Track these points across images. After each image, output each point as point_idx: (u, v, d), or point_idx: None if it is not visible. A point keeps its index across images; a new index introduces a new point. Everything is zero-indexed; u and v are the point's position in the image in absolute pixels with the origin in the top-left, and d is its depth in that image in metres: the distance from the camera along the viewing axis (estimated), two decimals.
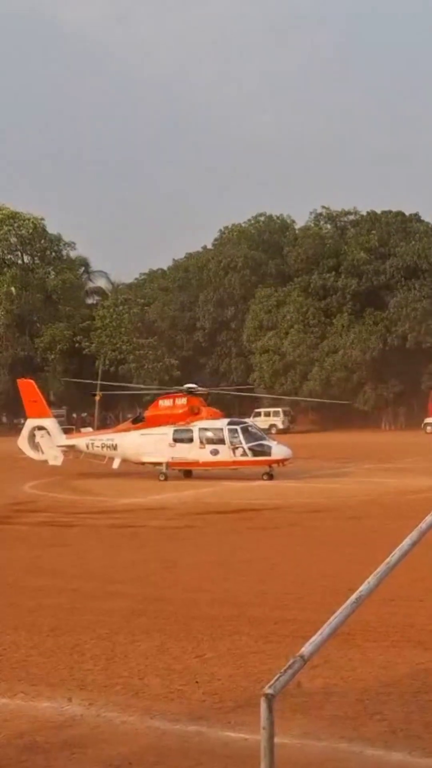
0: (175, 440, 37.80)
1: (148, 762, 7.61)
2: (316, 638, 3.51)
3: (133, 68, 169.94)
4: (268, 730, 3.40)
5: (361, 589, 3.59)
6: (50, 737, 8.23)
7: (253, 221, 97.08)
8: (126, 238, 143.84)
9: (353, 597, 3.57)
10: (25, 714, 8.91)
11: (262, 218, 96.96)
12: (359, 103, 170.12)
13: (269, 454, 36.78)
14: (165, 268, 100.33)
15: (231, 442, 36.98)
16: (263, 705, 3.39)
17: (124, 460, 39.59)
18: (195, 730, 8.32)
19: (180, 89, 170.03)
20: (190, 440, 37.60)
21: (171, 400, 40.02)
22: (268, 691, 3.38)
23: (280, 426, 76.43)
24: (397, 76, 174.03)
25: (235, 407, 72.80)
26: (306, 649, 3.48)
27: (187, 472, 38.48)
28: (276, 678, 3.42)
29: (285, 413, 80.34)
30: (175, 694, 9.39)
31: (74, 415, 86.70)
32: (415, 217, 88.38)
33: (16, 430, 54.42)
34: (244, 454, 36.78)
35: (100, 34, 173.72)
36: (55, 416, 47.61)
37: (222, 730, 8.30)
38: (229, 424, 38.19)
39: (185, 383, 44.89)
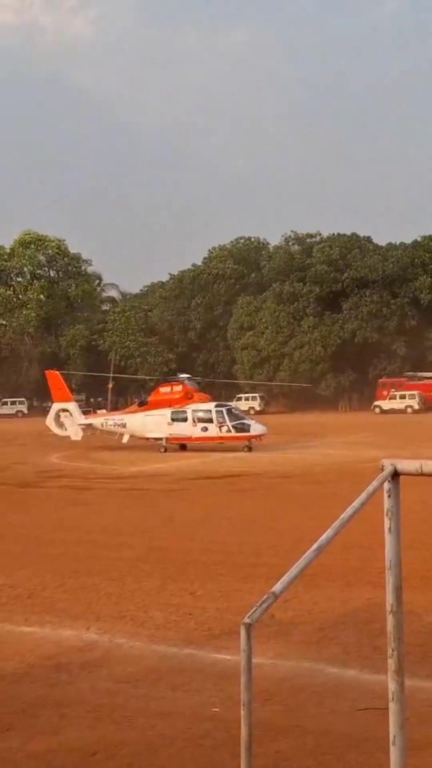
0: (173, 420, 37.80)
1: (151, 679, 7.64)
2: (285, 578, 3.52)
3: (136, 119, 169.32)
4: (246, 653, 3.41)
5: (321, 539, 3.61)
6: (72, 659, 8.26)
7: (234, 242, 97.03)
8: (131, 256, 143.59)
9: (315, 546, 3.58)
10: (52, 640, 8.94)
11: (242, 240, 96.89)
12: (322, 144, 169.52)
13: (249, 431, 36.82)
14: (164, 280, 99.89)
15: (218, 421, 37.01)
16: (243, 632, 3.40)
17: (131, 436, 39.57)
18: (189, 653, 8.36)
19: (173, 137, 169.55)
20: (185, 420, 37.61)
21: (169, 388, 40.02)
22: (247, 620, 3.39)
23: (257, 408, 76.25)
24: (357, 119, 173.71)
25: (221, 393, 72.70)
26: (277, 587, 3.49)
27: (182, 445, 38.51)
28: (253, 610, 3.43)
29: (261, 398, 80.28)
30: (173, 624, 9.42)
31: (92, 400, 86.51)
32: (367, 239, 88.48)
33: (44, 412, 54.32)
34: (229, 430, 36.83)
35: (109, 93, 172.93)
36: (76, 401, 47.58)
37: (211, 652, 8.33)
38: (216, 406, 38.22)
39: (181, 374, 44.87)
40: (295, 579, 3.57)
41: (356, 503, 3.68)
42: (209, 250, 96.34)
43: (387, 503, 3.78)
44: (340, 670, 7.69)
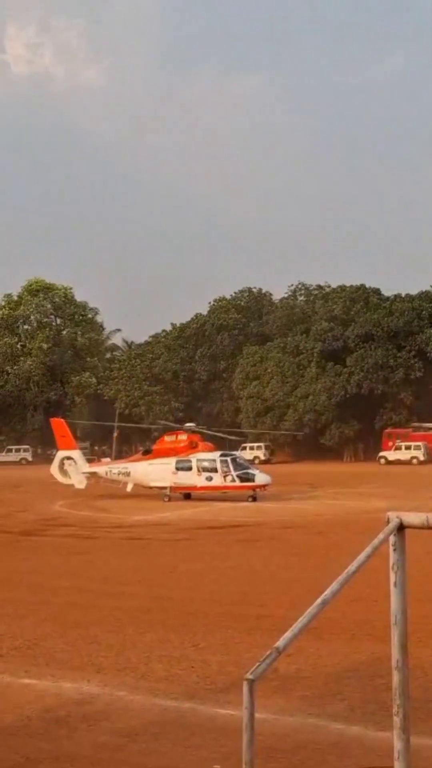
0: (177, 469, 37.65)
1: (152, 733, 7.51)
2: (289, 633, 3.46)
3: (142, 168, 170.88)
4: (249, 709, 3.34)
5: (325, 593, 3.55)
6: (72, 712, 8.13)
7: (238, 294, 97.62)
8: (136, 305, 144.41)
9: (319, 600, 3.53)
10: (52, 693, 8.81)
11: (246, 293, 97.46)
12: (331, 194, 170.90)
13: (253, 481, 36.65)
14: (167, 329, 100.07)
15: (222, 471, 36.86)
16: (245, 688, 3.34)
17: (135, 485, 39.41)
18: (190, 707, 8.22)
19: (181, 185, 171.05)
20: (189, 469, 37.47)
21: (174, 436, 39.94)
22: (250, 676, 3.33)
23: (262, 458, 76.01)
24: (360, 172, 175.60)
25: (225, 442, 72.53)
26: (281, 642, 3.44)
27: (186, 494, 38.29)
28: (256, 666, 3.37)
29: (266, 447, 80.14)
30: (175, 677, 9.29)
31: (96, 448, 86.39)
32: (375, 291, 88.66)
33: (49, 459, 54.24)
34: (233, 480, 36.66)
35: (116, 142, 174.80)
36: (81, 448, 47.46)
37: (212, 707, 8.20)
38: (221, 456, 38.10)
39: (186, 423, 44.81)
40: (299, 633, 3.51)
41: (361, 557, 3.63)
42: (209, 303, 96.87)
43: (392, 557, 3.74)
44: (344, 727, 7.54)
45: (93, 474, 41.43)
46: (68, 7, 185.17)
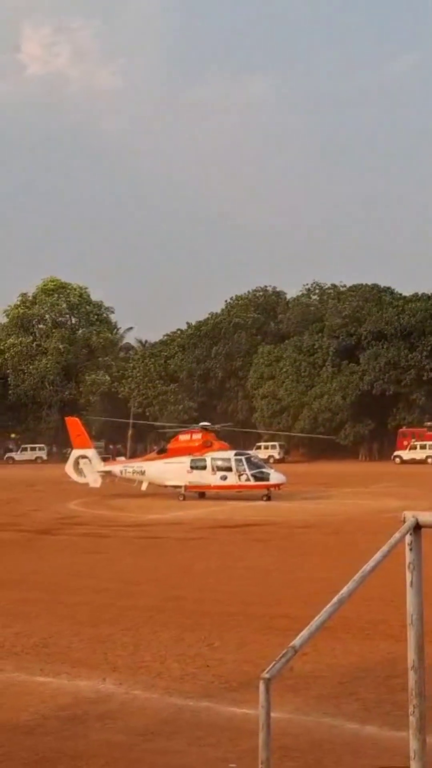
0: (192, 468, 37.64)
1: (167, 732, 7.51)
2: (305, 632, 3.46)
3: (156, 170, 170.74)
4: (265, 708, 3.34)
5: (341, 592, 3.55)
6: (88, 710, 8.15)
7: (252, 292, 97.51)
8: (151, 304, 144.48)
9: (335, 599, 3.52)
10: (68, 691, 8.83)
11: (260, 293, 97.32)
12: (345, 194, 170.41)
13: (268, 480, 36.60)
14: (181, 328, 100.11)
15: (237, 470, 36.82)
16: (261, 687, 3.34)
17: (150, 484, 39.43)
18: (205, 706, 8.22)
19: (194, 186, 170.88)
20: (204, 468, 37.45)
21: (189, 435, 39.91)
22: (266, 675, 3.33)
23: (277, 457, 75.89)
24: (374, 177, 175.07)
25: (240, 442, 72.45)
26: (297, 641, 3.43)
27: (201, 493, 38.28)
28: (272, 665, 3.37)
29: (281, 446, 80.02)
30: (190, 676, 9.29)
31: (111, 447, 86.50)
32: (388, 290, 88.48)
33: (64, 458, 54.31)
34: (248, 479, 36.63)
35: (128, 139, 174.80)
36: (96, 447, 47.52)
37: (228, 706, 8.20)
38: (236, 455, 38.06)
39: (201, 422, 44.78)
40: (315, 632, 3.51)
41: (378, 556, 3.62)
42: (226, 301, 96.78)
43: (409, 556, 3.73)
44: (360, 726, 7.53)
45: (108, 473, 41.46)
46: (82, 9, 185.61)
